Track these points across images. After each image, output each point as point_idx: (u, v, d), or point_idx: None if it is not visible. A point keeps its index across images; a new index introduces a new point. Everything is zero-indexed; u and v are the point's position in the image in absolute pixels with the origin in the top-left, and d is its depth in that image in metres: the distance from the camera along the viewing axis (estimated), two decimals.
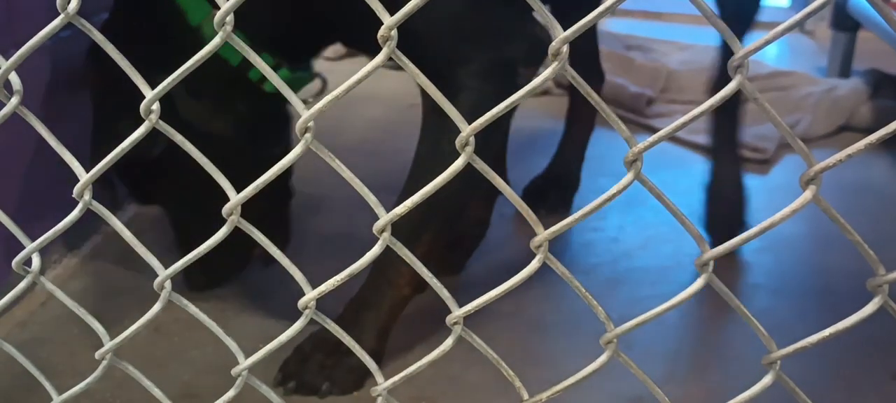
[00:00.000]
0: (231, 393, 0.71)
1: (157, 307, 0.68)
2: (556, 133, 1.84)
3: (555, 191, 1.73)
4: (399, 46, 0.54)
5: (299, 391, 1.14)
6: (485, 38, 1.09)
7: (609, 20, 2.93)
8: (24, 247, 0.71)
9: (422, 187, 0.58)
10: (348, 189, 0.64)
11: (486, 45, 1.09)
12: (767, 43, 0.51)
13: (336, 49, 2.65)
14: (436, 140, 1.12)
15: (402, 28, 0.53)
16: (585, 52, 1.75)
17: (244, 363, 0.69)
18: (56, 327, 1.28)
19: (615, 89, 2.26)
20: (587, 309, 0.63)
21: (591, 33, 1.76)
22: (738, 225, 1.54)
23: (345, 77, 0.57)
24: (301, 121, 0.58)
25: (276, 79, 0.59)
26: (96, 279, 1.43)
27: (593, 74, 1.78)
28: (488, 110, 0.55)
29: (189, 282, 1.32)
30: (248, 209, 0.61)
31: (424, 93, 1.11)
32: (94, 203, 0.65)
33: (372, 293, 1.18)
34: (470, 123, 0.55)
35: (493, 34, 1.10)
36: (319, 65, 2.79)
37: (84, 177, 0.64)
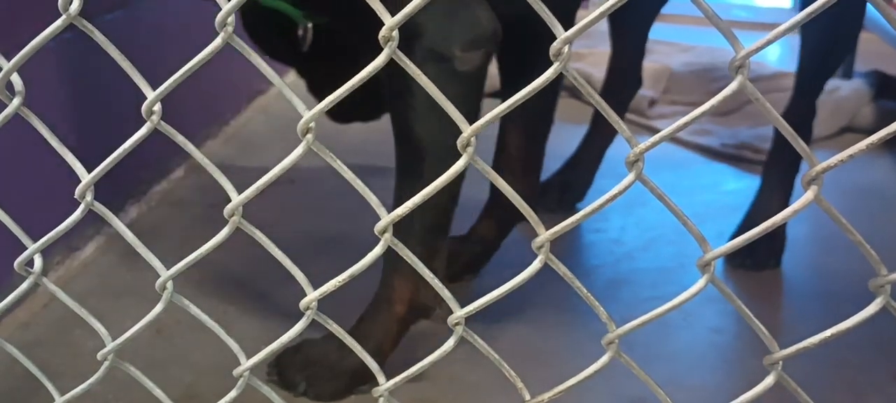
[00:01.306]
0: (233, 394, 0.71)
1: (158, 308, 0.68)
2: (557, 134, 1.84)
3: (556, 193, 1.72)
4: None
5: (278, 382, 1.14)
6: (417, 23, 1.00)
7: None
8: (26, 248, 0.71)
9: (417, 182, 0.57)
10: (350, 190, 0.64)
11: (418, 30, 1.02)
12: (769, 43, 0.50)
13: None
14: (405, 127, 1.08)
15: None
16: (632, 58, 1.75)
17: (246, 364, 0.69)
18: (58, 328, 1.28)
19: None
20: (589, 310, 0.63)
21: (641, 39, 1.75)
22: (780, 251, 1.53)
23: None
24: (302, 122, 0.58)
25: (276, 80, 0.59)
26: (98, 280, 1.43)
27: (633, 79, 1.76)
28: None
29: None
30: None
31: (388, 79, 1.08)
32: (96, 204, 0.65)
33: (370, 310, 1.17)
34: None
35: (426, 18, 1.00)
36: None
37: (86, 177, 0.64)
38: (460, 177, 1.08)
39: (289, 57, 1.40)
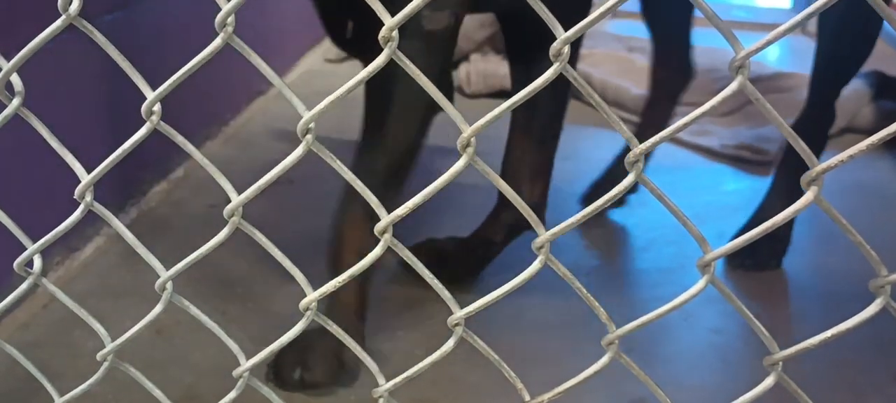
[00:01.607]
0: (232, 395, 0.71)
1: (158, 308, 0.68)
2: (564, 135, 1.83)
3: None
4: None
5: (275, 382, 1.16)
6: None
7: (611, 22, 2.93)
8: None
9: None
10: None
11: None
12: (769, 43, 0.50)
13: (337, 51, 2.65)
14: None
15: None
16: (679, 49, 1.71)
17: (245, 364, 0.69)
18: (58, 329, 1.28)
19: (617, 91, 2.26)
20: (589, 311, 0.63)
21: (684, 27, 1.70)
22: (782, 252, 1.53)
23: (347, 78, 0.57)
24: (302, 122, 0.58)
25: (276, 80, 0.59)
26: (98, 281, 1.43)
27: (684, 69, 1.73)
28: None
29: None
30: None
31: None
32: (96, 204, 0.65)
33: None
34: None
35: None
36: (321, 67, 2.80)
37: (85, 178, 0.64)
38: (416, 145, 1.17)
39: (345, 45, 1.54)
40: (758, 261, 1.50)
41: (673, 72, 1.72)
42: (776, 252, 1.53)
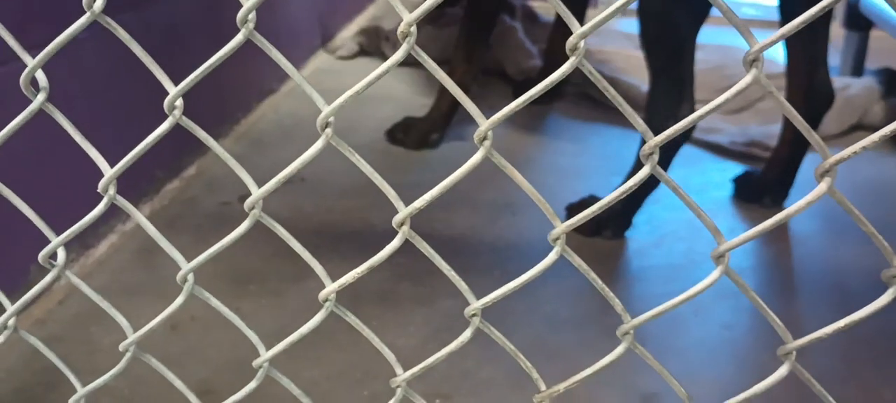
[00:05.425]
0: (253, 384, 0.72)
1: (180, 299, 0.69)
2: (566, 131, 1.84)
3: (771, 186, 1.76)
4: None
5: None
6: None
7: (620, 20, 2.94)
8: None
9: None
10: (359, 189, 0.64)
11: None
12: (782, 37, 0.51)
13: (349, 47, 2.66)
14: None
15: None
16: (815, 66, 1.66)
17: (265, 354, 0.70)
18: (74, 325, 1.29)
19: (628, 89, 2.26)
20: (601, 308, 0.64)
21: (822, 44, 1.66)
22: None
23: (358, 76, 0.58)
24: (322, 116, 0.58)
25: (296, 76, 0.60)
26: (112, 278, 1.44)
27: (825, 91, 1.67)
28: None
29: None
30: None
31: None
32: (119, 197, 0.67)
33: None
34: None
35: None
36: (331, 65, 2.80)
37: (109, 172, 0.65)
38: None
39: None
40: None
41: (813, 94, 1.66)
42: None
